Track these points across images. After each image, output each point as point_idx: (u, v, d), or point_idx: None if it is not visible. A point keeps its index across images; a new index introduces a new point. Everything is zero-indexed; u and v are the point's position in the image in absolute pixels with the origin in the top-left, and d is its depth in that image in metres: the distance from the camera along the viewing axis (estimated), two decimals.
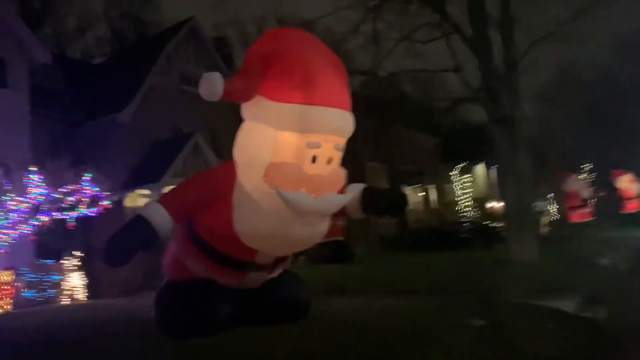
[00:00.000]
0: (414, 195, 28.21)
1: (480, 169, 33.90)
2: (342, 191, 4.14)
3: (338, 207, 4.00)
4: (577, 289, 6.58)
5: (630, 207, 28.72)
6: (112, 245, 3.75)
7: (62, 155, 10.25)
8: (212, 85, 3.41)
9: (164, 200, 4.05)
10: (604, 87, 37.61)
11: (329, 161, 3.82)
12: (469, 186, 31.01)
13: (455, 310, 4.79)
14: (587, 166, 44.04)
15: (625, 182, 29.22)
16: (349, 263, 13.76)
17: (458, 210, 30.88)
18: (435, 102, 11.45)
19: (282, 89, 3.69)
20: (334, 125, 3.76)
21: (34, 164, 10.09)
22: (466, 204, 31.18)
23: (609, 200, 31.48)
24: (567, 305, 5.62)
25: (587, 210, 25.63)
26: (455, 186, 31.89)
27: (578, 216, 24.91)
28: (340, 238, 14.85)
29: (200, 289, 4.28)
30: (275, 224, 3.80)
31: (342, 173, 4.01)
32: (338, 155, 3.91)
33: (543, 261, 9.49)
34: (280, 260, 4.42)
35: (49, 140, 13.17)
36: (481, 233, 20.54)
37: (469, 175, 32.15)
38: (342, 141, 3.89)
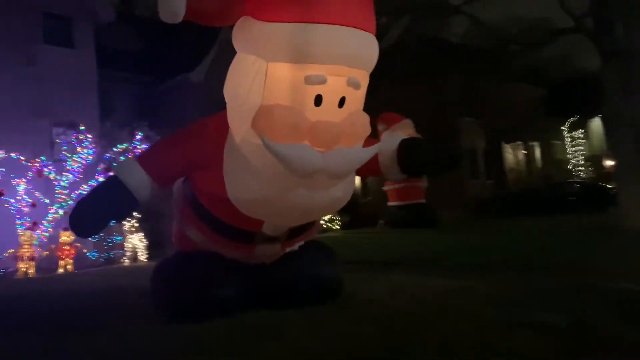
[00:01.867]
0: (514, 153, 25.64)
1: (596, 123, 29.96)
2: (369, 144, 3.16)
3: (356, 165, 3.01)
4: None
5: None
6: (80, 211, 3.12)
7: (118, 115, 10.17)
8: (170, 1, 2.54)
9: (143, 158, 3.29)
10: None
11: (342, 103, 2.83)
12: (581, 143, 27.57)
13: (529, 299, 3.63)
14: None
15: None
16: (431, 229, 12.56)
17: (567, 169, 27.74)
18: (531, 36, 9.44)
19: (270, 3, 2.74)
20: (343, 51, 2.72)
21: (100, 124, 10.13)
22: (577, 162, 27.88)
23: None
24: None
25: None
26: (565, 143, 28.64)
27: None
28: (422, 201, 13.59)
29: (203, 262, 3.56)
30: (270, 188, 2.92)
31: (364, 119, 2.99)
32: (356, 95, 2.89)
33: None
34: (298, 231, 3.56)
35: (117, 100, 13.29)
36: (593, 195, 18.09)
37: (581, 130, 28.61)
38: (359, 74, 2.85)
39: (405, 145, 3.43)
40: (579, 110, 27.84)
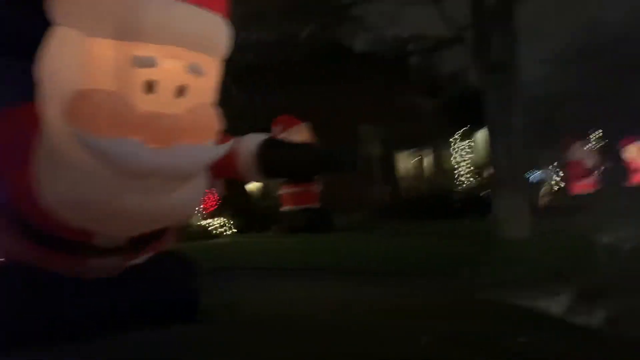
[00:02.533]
0: (409, 160, 26.75)
1: (482, 134, 32.27)
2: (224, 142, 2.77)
3: (199, 165, 2.62)
4: (570, 277, 5.27)
5: (638, 179, 27.25)
6: None
7: None
8: None
9: None
10: (624, 48, 35.36)
11: (182, 91, 2.42)
12: (468, 153, 29.45)
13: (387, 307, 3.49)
14: (597, 134, 42.30)
15: (633, 152, 27.65)
16: (326, 234, 12.50)
17: (456, 177, 29.51)
18: (412, 43, 9.71)
19: None
20: (181, 30, 2.33)
21: None
22: (464, 171, 29.77)
23: (616, 170, 29.96)
24: (555, 302, 4.31)
25: (591, 180, 24.12)
26: (455, 152, 30.45)
27: (581, 187, 23.44)
28: (316, 205, 13.51)
29: (24, 279, 2.95)
30: (93, 191, 2.43)
31: (211, 113, 2.61)
32: (200, 85, 2.50)
33: (534, 238, 8.17)
34: (145, 241, 3.06)
35: None
36: (475, 203, 19.25)
37: (469, 141, 30.59)
38: (203, 60, 2.46)
39: (264, 145, 3.10)
40: (469, 121, 29.76)
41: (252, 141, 3.18)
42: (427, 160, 29.12)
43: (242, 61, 19.38)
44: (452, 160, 30.61)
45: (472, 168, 29.58)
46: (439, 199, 21.45)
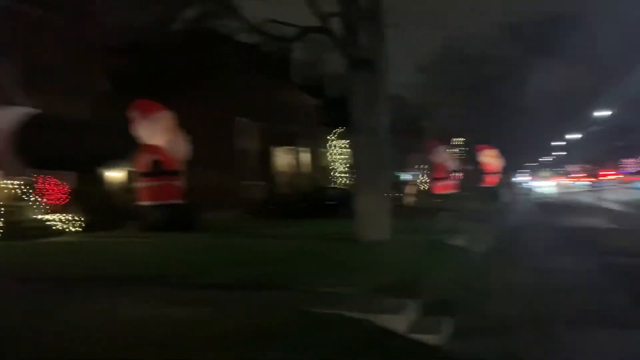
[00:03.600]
0: (286, 157, 26.46)
1: None
2: None
3: None
4: (420, 286, 5.12)
5: (489, 181, 30.07)
6: None
7: None
8: None
9: None
10: (488, 64, 38.69)
11: None
12: (344, 152, 30.06)
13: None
14: (460, 140, 46.21)
15: (488, 157, 30.44)
16: (189, 232, 11.56)
17: (331, 176, 29.98)
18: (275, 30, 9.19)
19: None
20: None
21: None
22: (340, 170, 30.37)
23: (473, 173, 32.80)
24: (400, 316, 4.03)
25: (451, 182, 25.94)
26: (331, 151, 30.91)
27: (442, 187, 25.07)
28: (179, 201, 12.45)
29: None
30: None
31: None
32: None
33: (393, 241, 8.16)
34: None
35: None
36: (347, 201, 19.55)
37: (346, 140, 31.29)
38: None
39: None
40: (347, 121, 30.32)
41: None
42: (305, 158, 29.15)
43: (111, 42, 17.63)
44: (330, 158, 31.16)
45: (347, 167, 30.34)
46: (313, 197, 21.47)
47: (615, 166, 57.12)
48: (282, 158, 26.41)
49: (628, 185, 38.75)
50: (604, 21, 42.93)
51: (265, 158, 24.86)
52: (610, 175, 49.64)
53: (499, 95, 38.45)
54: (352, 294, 4.56)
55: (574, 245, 9.56)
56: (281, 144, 25.90)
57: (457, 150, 44.71)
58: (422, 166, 35.79)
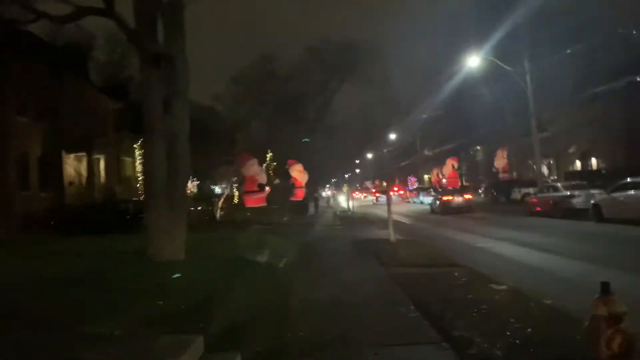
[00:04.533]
0: (76, 164, 23.24)
1: None
2: None
3: None
4: (211, 313, 4.47)
5: (298, 195, 31.16)
6: None
7: None
8: None
9: None
10: (295, 82, 40.29)
11: None
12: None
13: None
14: (271, 154, 47.25)
15: (296, 172, 31.51)
16: None
17: (136, 187, 27.51)
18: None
19: None
20: None
21: None
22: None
23: (282, 187, 33.59)
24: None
25: (262, 195, 26.02)
26: (135, 160, 28.43)
27: (253, 201, 24.97)
28: None
29: None
30: None
31: None
32: None
33: (190, 259, 7.37)
34: None
35: None
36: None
37: None
38: None
39: None
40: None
41: None
42: (103, 166, 26.11)
43: None
44: (134, 167, 28.62)
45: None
46: (108, 210, 19.26)
47: (403, 183, 65.12)
48: (74, 165, 23.14)
49: (412, 199, 44.20)
50: (400, 58, 49.06)
51: (53, 165, 21.47)
52: (399, 191, 56.25)
53: (306, 113, 40.49)
54: (119, 334, 3.65)
55: (366, 258, 9.99)
56: (73, 149, 22.71)
57: (267, 164, 45.74)
58: (233, 179, 35.42)
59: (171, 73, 7.59)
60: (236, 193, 35.29)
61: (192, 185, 32.87)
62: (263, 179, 26.79)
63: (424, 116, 42.73)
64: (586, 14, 24.03)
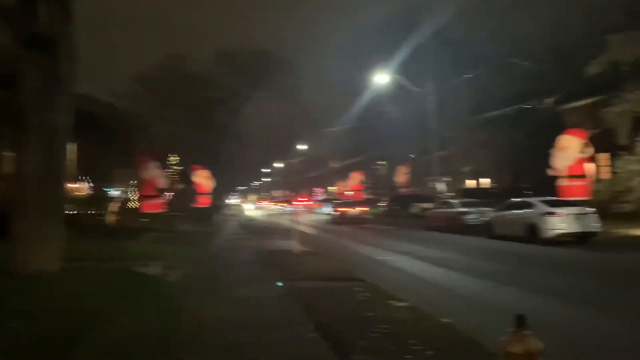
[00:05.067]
0: None
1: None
2: None
3: None
4: (79, 347, 3.78)
5: (202, 202, 29.95)
6: None
7: None
8: None
9: None
10: (205, 87, 38.97)
11: None
12: None
13: None
14: (175, 158, 45.24)
15: (201, 178, 30.31)
16: None
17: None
18: None
19: None
20: None
21: None
22: None
23: (185, 192, 32.14)
24: None
25: (161, 201, 24.58)
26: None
27: (151, 206, 23.49)
28: None
29: None
30: None
31: None
32: None
33: (68, 272, 6.46)
34: None
35: None
36: None
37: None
38: None
39: None
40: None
41: None
42: None
43: None
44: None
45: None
46: None
47: (309, 193, 65.75)
48: None
49: (317, 210, 44.55)
50: (313, 71, 49.54)
51: None
52: (305, 201, 56.65)
53: (215, 119, 39.37)
54: None
55: (268, 271, 9.59)
56: None
57: (170, 168, 43.65)
58: (131, 182, 33.25)
59: (52, 59, 6.65)
60: (134, 197, 33.14)
61: (84, 188, 30.32)
62: (163, 183, 25.35)
63: (334, 129, 43.42)
64: (483, 45, 25.91)
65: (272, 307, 6.39)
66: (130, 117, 35.26)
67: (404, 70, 27.00)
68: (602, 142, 23.04)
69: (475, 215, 18.58)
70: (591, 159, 22.05)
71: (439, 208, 21.86)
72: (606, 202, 19.06)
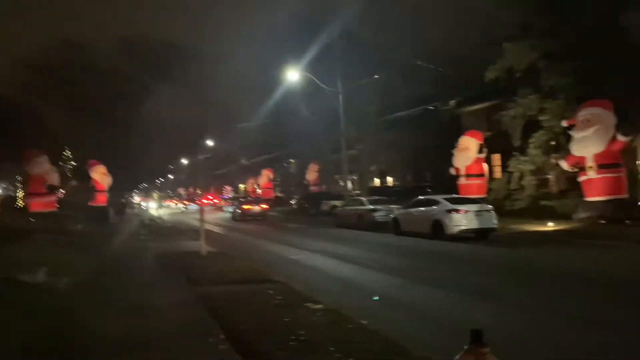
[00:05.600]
0: None
1: None
2: None
3: None
4: None
5: (99, 200, 27.77)
6: None
7: None
8: None
9: None
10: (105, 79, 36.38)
11: None
12: None
13: None
14: (69, 152, 41.56)
15: (98, 174, 28.11)
16: None
17: None
18: None
19: None
20: None
21: None
22: None
23: (80, 190, 29.60)
24: None
25: (51, 198, 22.39)
26: None
27: (39, 204, 21.30)
28: None
29: None
30: None
31: None
32: None
33: None
34: None
35: None
36: None
37: None
38: None
39: None
40: None
41: None
42: None
43: None
44: None
45: None
46: None
47: (218, 191, 64.02)
48: None
49: (224, 208, 43.41)
50: (223, 65, 47.98)
51: None
52: (213, 199, 55.11)
53: (117, 112, 36.85)
54: None
55: (173, 275, 8.92)
56: None
57: (66, 163, 40.10)
58: (17, 178, 30.05)
59: None
60: (20, 195, 29.91)
61: None
62: (54, 179, 23.10)
63: (244, 124, 42.51)
64: (390, 49, 26.72)
65: (178, 316, 5.83)
66: (16, 106, 31.86)
67: (315, 68, 26.99)
68: (498, 143, 24.78)
69: (383, 212, 19.00)
70: (487, 159, 23.63)
71: (349, 206, 22.13)
72: (500, 200, 20.42)
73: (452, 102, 28.71)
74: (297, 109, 33.44)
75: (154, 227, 23.04)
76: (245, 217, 28.97)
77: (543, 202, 19.49)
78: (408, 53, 26.25)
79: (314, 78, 26.15)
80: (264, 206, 30.64)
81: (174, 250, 12.94)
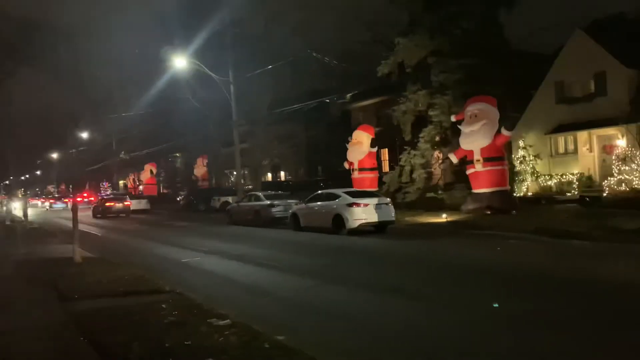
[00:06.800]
0: None
1: None
2: None
3: None
4: None
5: None
6: None
7: None
8: None
9: None
10: None
11: None
12: None
13: None
14: None
15: None
16: None
17: None
18: None
19: None
20: None
21: None
22: None
23: None
24: None
25: None
26: None
27: None
28: None
29: None
30: None
31: None
32: None
33: None
34: None
35: None
36: None
37: None
38: None
39: None
40: None
41: None
42: None
43: None
44: None
45: None
46: None
47: (95, 187, 58.64)
48: None
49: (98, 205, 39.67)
50: (98, 50, 43.47)
51: None
52: (87, 197, 50.42)
53: None
54: None
55: (37, 289, 7.36)
56: None
57: None
58: None
59: None
60: None
61: None
62: None
63: (123, 114, 38.96)
64: (281, 42, 26.13)
65: (42, 346, 4.54)
66: None
67: (204, 57, 25.36)
68: (386, 138, 25.35)
69: (281, 208, 18.29)
70: (378, 153, 24.05)
71: (244, 201, 21.08)
72: (392, 193, 20.79)
73: (348, 96, 28.88)
74: (185, 99, 31.35)
75: (16, 229, 19.89)
76: (108, 213, 30.52)
77: (432, 195, 20.23)
78: (300, 47, 25.79)
79: (202, 66, 24.50)
80: (127, 203, 31.75)
81: (41, 256, 10.97)
